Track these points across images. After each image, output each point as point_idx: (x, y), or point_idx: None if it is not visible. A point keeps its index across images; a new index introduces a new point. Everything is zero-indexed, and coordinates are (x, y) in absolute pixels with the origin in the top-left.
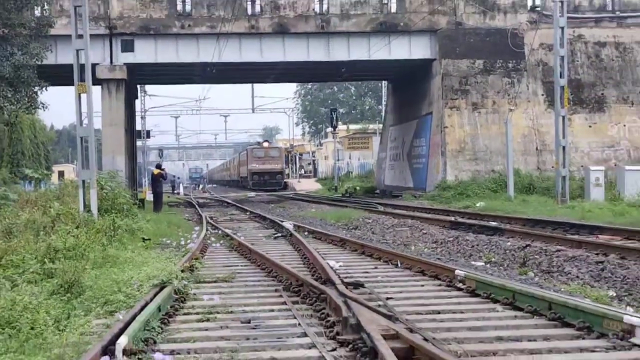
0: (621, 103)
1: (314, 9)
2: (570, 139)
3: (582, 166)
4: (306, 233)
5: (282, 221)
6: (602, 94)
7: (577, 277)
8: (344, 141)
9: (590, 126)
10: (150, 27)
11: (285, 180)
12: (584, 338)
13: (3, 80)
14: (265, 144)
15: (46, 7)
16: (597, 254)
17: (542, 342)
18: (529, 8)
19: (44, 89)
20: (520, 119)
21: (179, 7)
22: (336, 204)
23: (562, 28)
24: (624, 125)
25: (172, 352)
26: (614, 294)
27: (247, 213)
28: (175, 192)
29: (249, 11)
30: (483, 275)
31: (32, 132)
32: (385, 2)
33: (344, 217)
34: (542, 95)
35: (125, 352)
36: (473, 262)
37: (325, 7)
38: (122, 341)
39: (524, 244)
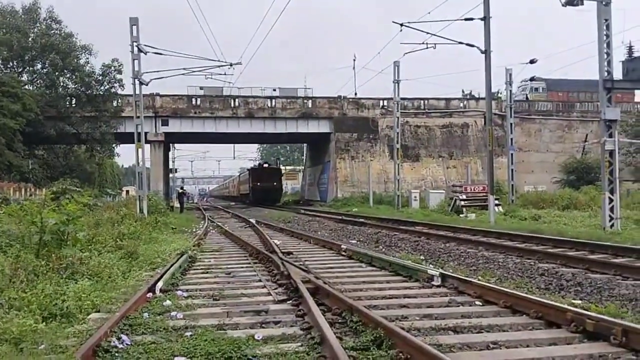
0: (427, 157)
1: (267, 105)
2: (401, 175)
3: (408, 190)
4: (262, 225)
5: (249, 218)
6: (418, 152)
7: (404, 249)
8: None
9: (412, 168)
10: (177, 112)
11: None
12: (407, 281)
13: (95, 141)
14: (266, 165)
15: (120, 101)
16: (415, 237)
17: (386, 284)
18: (380, 107)
19: (117, 145)
20: (376, 165)
21: (194, 102)
22: (279, 209)
23: (398, 118)
24: (429, 169)
25: (187, 291)
26: (423, 258)
27: (230, 214)
28: (189, 202)
29: (232, 105)
30: (355, 247)
31: (111, 169)
32: (306, 102)
33: (283, 216)
34: (388, 152)
35: (161, 290)
36: (351, 241)
37: (273, 104)
38: (159, 285)
39: (377, 231)
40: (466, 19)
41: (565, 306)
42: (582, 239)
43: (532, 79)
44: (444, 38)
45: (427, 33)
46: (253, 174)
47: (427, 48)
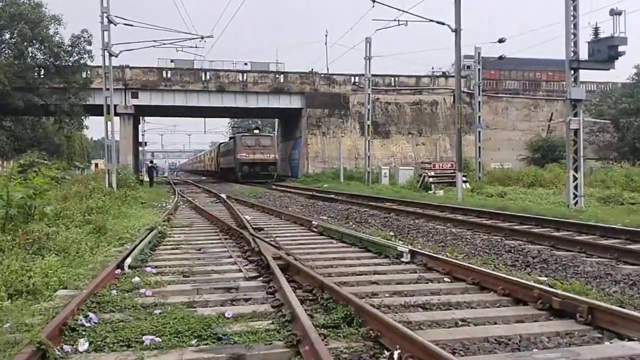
0: (397, 134)
1: (239, 79)
2: (371, 152)
3: (378, 166)
4: (233, 200)
5: (220, 193)
6: (388, 129)
7: (374, 225)
8: None
9: (382, 145)
10: (147, 85)
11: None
12: (377, 258)
13: (63, 112)
14: (257, 131)
15: (89, 72)
16: (384, 213)
17: (356, 260)
18: (352, 83)
19: (86, 117)
20: (347, 141)
21: (164, 75)
22: (250, 184)
23: (369, 94)
24: (399, 146)
25: (156, 267)
26: (393, 234)
27: (200, 188)
28: (160, 176)
29: (203, 78)
30: (326, 224)
31: (80, 142)
32: (277, 77)
33: (254, 191)
34: (358, 129)
35: (130, 267)
36: (321, 217)
37: (245, 78)
38: (128, 261)
39: (347, 207)
40: None
41: (532, 283)
42: (547, 216)
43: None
44: (416, 15)
45: (399, 10)
46: (241, 142)
47: (398, 25)
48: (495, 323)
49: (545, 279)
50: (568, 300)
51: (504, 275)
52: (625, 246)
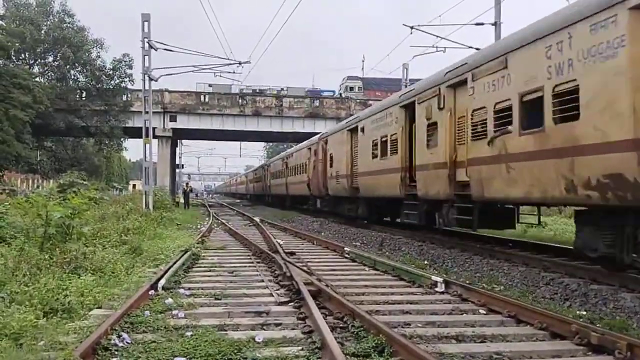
0: None
1: (274, 104)
2: None
3: None
4: (266, 224)
5: (253, 217)
6: None
7: (408, 253)
8: None
9: None
10: (185, 109)
11: None
12: (411, 287)
13: (103, 134)
14: None
15: (129, 95)
16: (419, 241)
17: (389, 288)
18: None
19: (125, 139)
20: None
21: (202, 99)
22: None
23: None
24: None
25: (189, 289)
26: (427, 263)
27: (235, 211)
28: (197, 197)
29: (240, 103)
30: (358, 250)
31: (119, 163)
32: (313, 102)
33: (287, 215)
34: None
35: (163, 288)
36: (354, 243)
37: (281, 103)
38: (162, 282)
39: (381, 233)
40: (477, 24)
41: (570, 318)
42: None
43: (349, 78)
44: (454, 42)
45: (437, 37)
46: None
47: (437, 51)
48: (531, 357)
49: (585, 313)
50: (607, 336)
51: (540, 309)
52: None
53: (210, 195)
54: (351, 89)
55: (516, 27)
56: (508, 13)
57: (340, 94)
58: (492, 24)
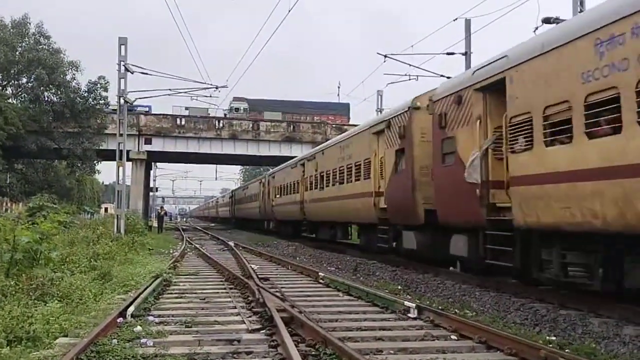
0: None
1: (251, 127)
2: None
3: None
4: (241, 248)
5: (228, 241)
6: None
7: (382, 278)
8: None
9: None
10: (161, 132)
11: None
12: (384, 313)
13: (76, 157)
14: None
15: (104, 118)
16: (392, 266)
17: (362, 314)
18: None
19: (99, 162)
20: None
21: (178, 122)
22: (260, 233)
23: None
24: None
25: (159, 316)
26: (401, 288)
27: (209, 235)
28: (171, 221)
29: (216, 126)
30: (333, 275)
31: (91, 186)
32: (290, 126)
33: (263, 240)
34: None
35: (132, 315)
36: (329, 268)
37: (257, 127)
38: (131, 309)
39: (355, 258)
40: (448, 54)
41: (540, 344)
42: None
43: (235, 99)
44: (426, 70)
45: (410, 65)
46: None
47: (409, 79)
48: None
49: (554, 338)
50: None
51: (510, 335)
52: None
53: (185, 219)
54: (237, 109)
55: (485, 57)
56: (478, 44)
57: (225, 114)
58: (463, 54)
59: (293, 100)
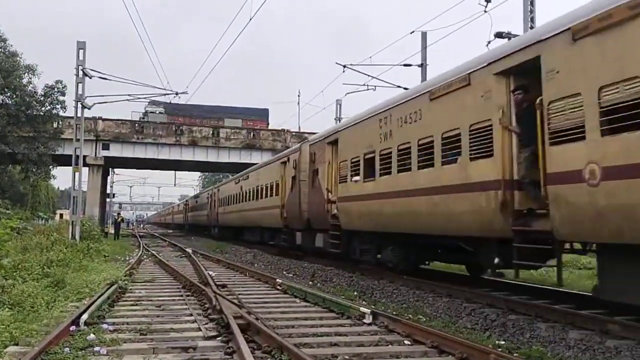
0: None
1: (211, 134)
2: None
3: None
4: (199, 255)
5: (186, 248)
6: None
7: (339, 284)
8: None
9: None
10: (119, 137)
11: None
12: (340, 318)
13: (31, 162)
14: None
15: (60, 123)
16: (349, 272)
17: (318, 320)
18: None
19: (54, 167)
20: None
21: (137, 127)
22: (218, 239)
23: None
24: None
25: (113, 324)
26: (357, 294)
27: (166, 242)
28: (128, 228)
29: (176, 132)
30: (290, 282)
31: (46, 191)
32: (250, 133)
33: (221, 246)
34: None
35: (85, 323)
36: (287, 274)
37: (217, 133)
38: (84, 317)
39: (313, 264)
40: (405, 65)
41: (490, 348)
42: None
43: (151, 103)
44: (384, 81)
45: (368, 75)
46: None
47: (367, 90)
48: None
49: (504, 342)
50: None
51: (462, 339)
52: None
53: (142, 226)
54: (152, 113)
55: (441, 69)
56: (433, 55)
57: (141, 118)
58: (419, 65)
59: (212, 105)
